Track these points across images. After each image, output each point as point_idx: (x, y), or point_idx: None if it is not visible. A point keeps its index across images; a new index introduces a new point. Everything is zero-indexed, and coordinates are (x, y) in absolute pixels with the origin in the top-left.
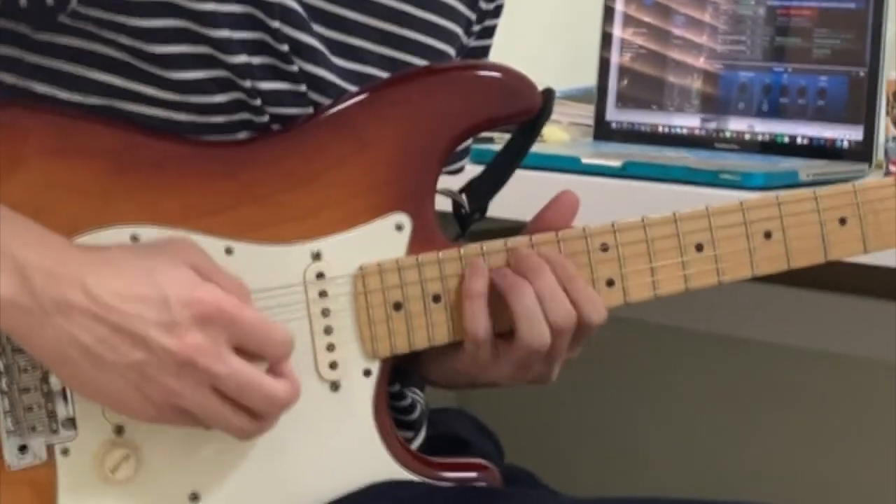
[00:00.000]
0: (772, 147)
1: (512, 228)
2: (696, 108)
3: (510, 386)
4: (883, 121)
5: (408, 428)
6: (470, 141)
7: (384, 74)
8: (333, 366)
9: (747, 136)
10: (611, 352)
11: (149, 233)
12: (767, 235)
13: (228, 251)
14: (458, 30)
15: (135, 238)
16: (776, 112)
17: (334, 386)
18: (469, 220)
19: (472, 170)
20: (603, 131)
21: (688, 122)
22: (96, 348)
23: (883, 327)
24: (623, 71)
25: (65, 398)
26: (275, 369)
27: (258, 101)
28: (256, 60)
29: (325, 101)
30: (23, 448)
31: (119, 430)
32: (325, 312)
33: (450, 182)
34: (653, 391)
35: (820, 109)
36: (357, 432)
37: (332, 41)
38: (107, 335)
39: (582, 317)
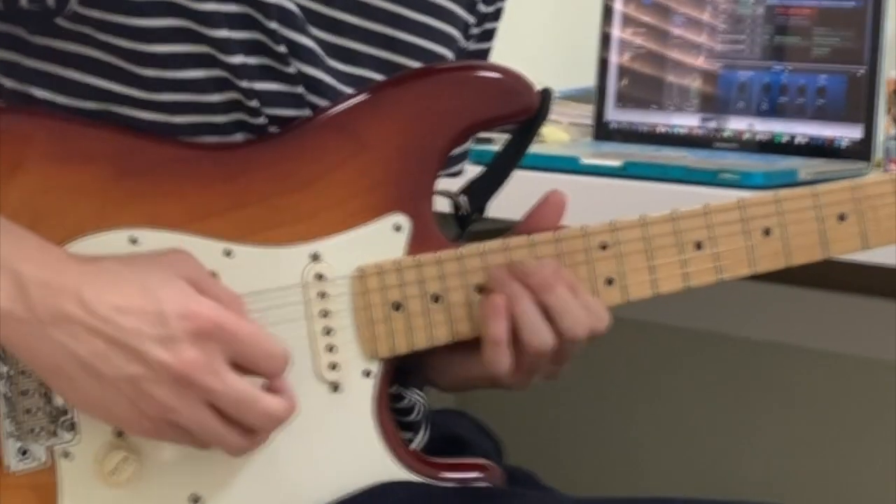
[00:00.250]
0: (771, 146)
1: (511, 229)
2: (695, 107)
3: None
4: (882, 120)
5: (408, 429)
6: (469, 143)
7: (380, 77)
8: (333, 367)
9: (747, 136)
10: (611, 352)
11: (148, 236)
12: (766, 233)
13: (227, 253)
14: (456, 33)
15: (134, 241)
16: (775, 111)
17: (334, 387)
18: (468, 221)
19: (471, 170)
20: (602, 131)
21: (687, 121)
22: (92, 361)
23: (883, 327)
24: (622, 71)
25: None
26: (271, 384)
27: (255, 103)
28: (254, 61)
29: (323, 103)
30: (23, 451)
31: (120, 432)
32: (325, 313)
33: (449, 183)
34: (653, 391)
35: (819, 108)
36: (358, 433)
37: (328, 44)
38: (103, 348)
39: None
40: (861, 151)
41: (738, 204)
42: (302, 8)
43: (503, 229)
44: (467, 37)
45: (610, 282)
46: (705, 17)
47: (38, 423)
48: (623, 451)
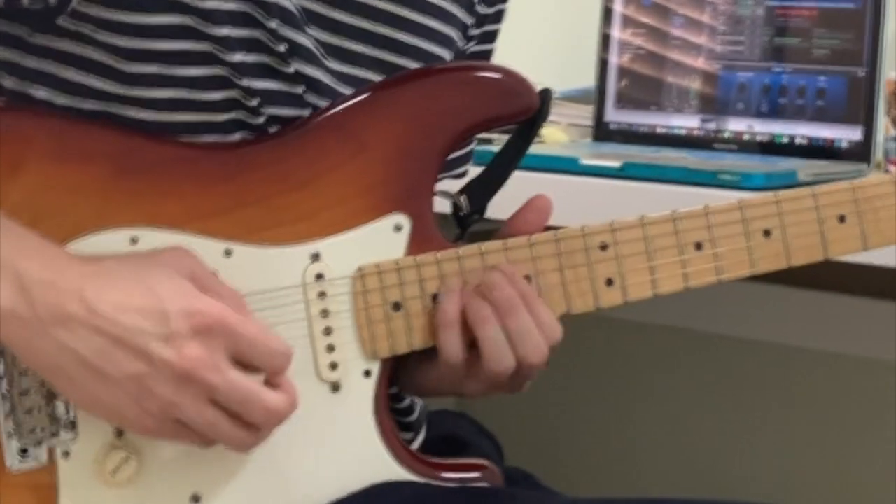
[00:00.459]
0: (771, 147)
1: (495, 232)
2: (695, 108)
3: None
4: (882, 121)
5: (407, 429)
6: (473, 144)
7: (379, 78)
8: (333, 367)
9: (746, 137)
10: (610, 352)
11: (148, 235)
12: (766, 234)
13: (227, 253)
14: (454, 34)
15: (134, 240)
16: (775, 112)
17: (334, 387)
18: (468, 222)
19: (471, 171)
20: (602, 132)
21: (687, 122)
22: (95, 360)
23: (883, 327)
24: (622, 72)
25: (65, 400)
26: (272, 380)
27: (255, 101)
28: (254, 59)
29: (322, 103)
30: (23, 451)
31: (120, 432)
32: (325, 313)
33: (448, 184)
34: (652, 391)
35: (819, 109)
36: (358, 433)
37: (327, 44)
38: (105, 347)
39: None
40: (861, 152)
41: (739, 204)
42: (302, 8)
43: None
44: (466, 38)
45: (610, 282)
46: (705, 18)
47: (38, 422)
48: (622, 452)
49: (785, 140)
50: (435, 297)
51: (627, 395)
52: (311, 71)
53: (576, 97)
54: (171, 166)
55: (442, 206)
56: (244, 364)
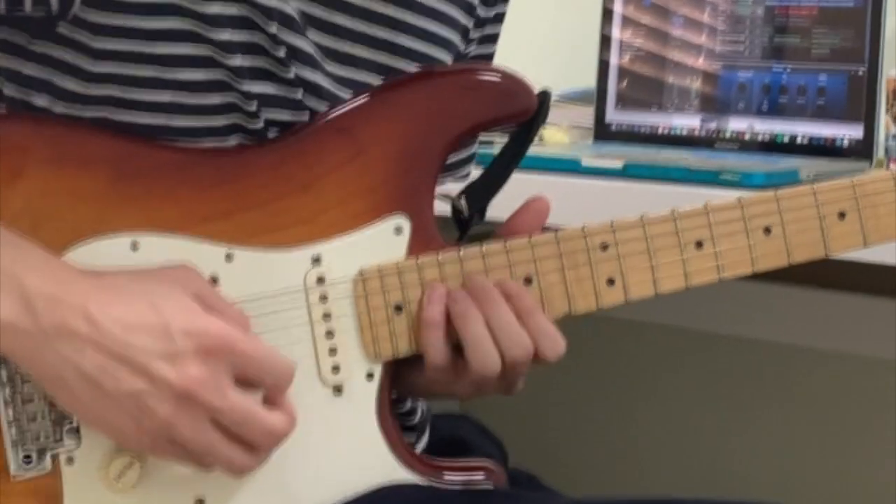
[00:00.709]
0: (772, 146)
1: (492, 233)
2: (695, 108)
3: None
4: (883, 118)
5: (409, 432)
6: (476, 146)
7: (378, 82)
8: (336, 369)
9: (747, 136)
10: (611, 353)
11: (148, 240)
12: (767, 231)
13: (228, 257)
14: (454, 37)
15: (134, 245)
16: (776, 111)
17: (337, 390)
18: (468, 224)
19: (472, 173)
20: (603, 133)
21: (688, 122)
22: (96, 376)
23: (883, 325)
24: (622, 72)
25: None
26: (272, 398)
27: (254, 105)
28: (253, 63)
29: (321, 107)
30: (27, 458)
31: None
32: (327, 316)
33: (448, 186)
34: (653, 392)
35: (820, 108)
36: (361, 435)
37: (326, 48)
38: (107, 363)
39: (539, 351)
40: (862, 150)
41: (739, 203)
42: (301, 12)
43: None
44: (466, 41)
45: (611, 282)
46: (705, 17)
47: (41, 429)
48: (624, 452)
49: (786, 139)
50: None
51: (629, 395)
52: (310, 75)
53: (576, 98)
54: (171, 171)
55: (441, 208)
56: (246, 382)
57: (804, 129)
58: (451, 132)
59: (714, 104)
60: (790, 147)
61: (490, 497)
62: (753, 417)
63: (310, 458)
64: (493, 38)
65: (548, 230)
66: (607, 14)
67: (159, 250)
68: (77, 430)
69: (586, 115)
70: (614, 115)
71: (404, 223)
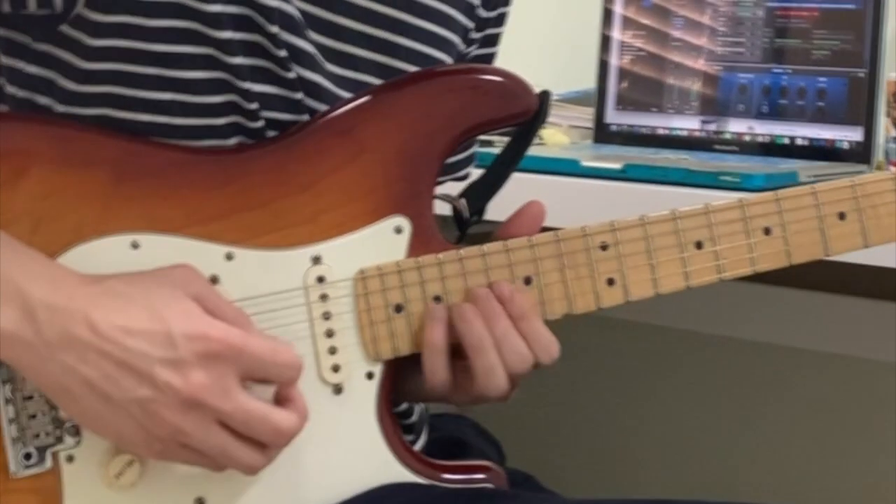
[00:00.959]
0: (771, 148)
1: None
2: (695, 110)
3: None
4: (883, 121)
5: (407, 431)
6: (475, 147)
7: (378, 82)
8: (336, 369)
9: (747, 138)
10: (610, 354)
11: (149, 240)
12: (767, 232)
13: (229, 257)
14: (455, 38)
15: (135, 245)
16: (776, 113)
17: (337, 389)
18: (468, 224)
19: (472, 173)
20: (603, 134)
21: (687, 124)
22: (101, 384)
23: (883, 328)
24: (622, 73)
25: None
26: (283, 393)
27: (254, 105)
28: (253, 63)
29: (321, 107)
30: (27, 455)
31: None
32: (327, 316)
33: (448, 186)
34: (652, 393)
35: (819, 110)
36: (361, 435)
37: (327, 48)
38: (112, 371)
39: (534, 356)
40: (861, 153)
41: (739, 203)
42: (303, 12)
43: None
44: (467, 42)
45: (611, 282)
46: (705, 19)
47: (42, 427)
48: (622, 453)
49: (785, 141)
50: (437, 299)
51: (628, 396)
52: (311, 76)
53: (576, 99)
54: (172, 171)
55: (441, 208)
56: (255, 379)
57: (804, 132)
58: (452, 133)
59: (714, 106)
60: (790, 149)
61: (488, 497)
62: (753, 420)
63: (309, 458)
64: (494, 40)
65: (547, 231)
66: (608, 15)
67: (160, 250)
68: (77, 429)
69: (586, 115)
70: (614, 117)
71: (404, 223)
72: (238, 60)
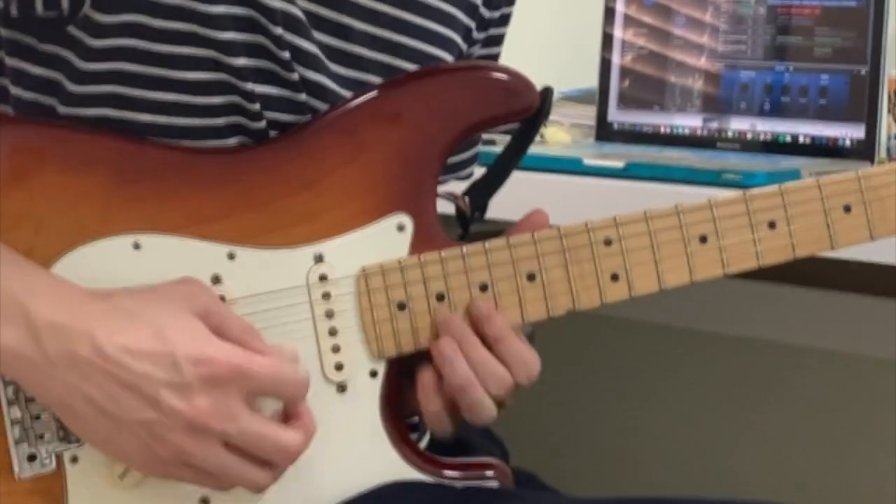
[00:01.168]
0: (774, 146)
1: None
2: (697, 108)
3: None
4: (885, 119)
5: (411, 430)
6: (479, 146)
7: (380, 81)
8: (339, 367)
9: (749, 136)
10: (611, 352)
11: (151, 240)
12: (772, 225)
13: (231, 256)
14: (457, 37)
15: (136, 245)
16: (778, 111)
17: (341, 388)
18: (470, 221)
19: (475, 172)
20: (605, 132)
21: (689, 122)
22: (104, 403)
23: (883, 325)
24: (624, 72)
25: None
26: (290, 409)
27: (257, 106)
28: (256, 64)
29: (325, 108)
30: (31, 456)
31: None
32: (329, 314)
33: (451, 185)
34: (653, 391)
35: (822, 108)
36: (365, 433)
37: (332, 48)
38: (115, 391)
39: (513, 376)
40: (864, 151)
41: (743, 197)
42: (307, 12)
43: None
44: (469, 41)
45: (615, 277)
46: (707, 17)
47: (45, 428)
48: (624, 452)
49: (788, 139)
50: (440, 297)
51: (629, 395)
52: (314, 77)
53: (578, 97)
54: (173, 172)
55: (443, 206)
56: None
57: (806, 130)
58: (453, 130)
59: (716, 104)
60: (792, 147)
61: (492, 496)
62: (754, 417)
63: (314, 457)
64: (498, 40)
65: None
66: (609, 13)
67: (161, 250)
68: None
69: (588, 114)
70: (616, 115)
71: (406, 221)
72: (240, 62)
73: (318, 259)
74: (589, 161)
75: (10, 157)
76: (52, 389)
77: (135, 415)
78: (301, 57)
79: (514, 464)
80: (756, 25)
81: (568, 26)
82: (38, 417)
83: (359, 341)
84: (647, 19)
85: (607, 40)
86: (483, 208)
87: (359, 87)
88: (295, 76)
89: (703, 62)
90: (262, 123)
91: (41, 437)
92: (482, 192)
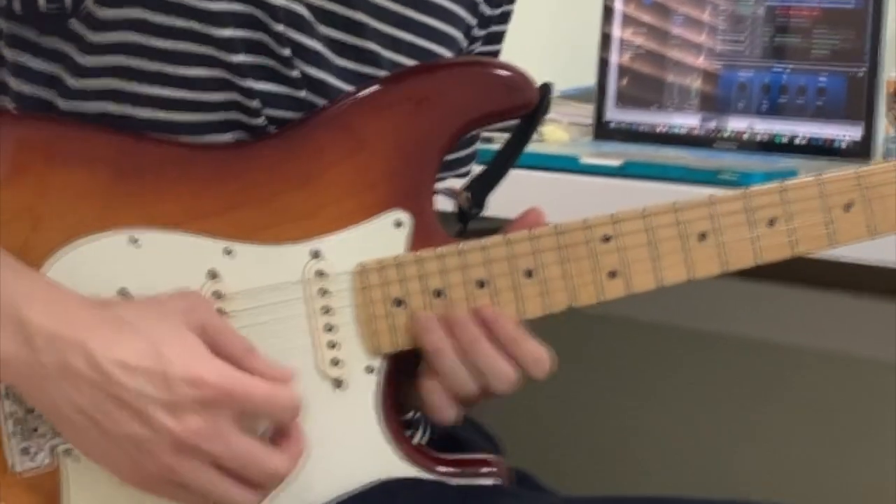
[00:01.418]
0: (771, 146)
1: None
2: (695, 107)
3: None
4: (882, 120)
5: (407, 427)
6: (477, 144)
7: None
8: (336, 363)
9: (746, 136)
10: (609, 352)
11: (148, 236)
12: (771, 223)
13: (228, 252)
14: (458, 34)
15: (133, 240)
16: (775, 111)
17: (337, 383)
18: (468, 218)
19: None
20: (602, 131)
21: (687, 121)
22: (95, 414)
23: (883, 327)
24: (622, 70)
25: None
26: (280, 430)
27: (256, 103)
28: (255, 61)
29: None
30: (27, 451)
31: None
32: (326, 310)
33: (450, 182)
34: (651, 391)
35: (819, 108)
36: (362, 429)
37: (338, 42)
38: (106, 405)
39: (528, 373)
40: (861, 151)
41: (742, 194)
42: (315, 8)
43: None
44: (470, 39)
45: (613, 274)
46: (705, 16)
47: (41, 422)
48: (621, 451)
49: (785, 139)
50: (437, 293)
51: (626, 394)
52: (316, 73)
53: (576, 96)
54: (170, 167)
55: (441, 203)
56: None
57: (803, 130)
58: (452, 126)
59: (714, 103)
60: (789, 147)
61: (488, 494)
62: (753, 418)
63: (312, 452)
64: (498, 37)
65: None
66: (608, 12)
67: (159, 246)
68: None
69: (586, 112)
70: (614, 114)
71: (404, 217)
72: (239, 59)
73: (316, 255)
74: (586, 159)
75: (7, 151)
76: (45, 396)
77: (125, 429)
78: (303, 53)
79: (510, 463)
80: (754, 25)
81: (566, 25)
82: (31, 411)
83: (355, 337)
84: (646, 18)
85: (605, 39)
86: (481, 204)
87: (360, 82)
88: (295, 73)
89: (701, 61)
90: (262, 120)
91: (36, 430)
92: (481, 187)
